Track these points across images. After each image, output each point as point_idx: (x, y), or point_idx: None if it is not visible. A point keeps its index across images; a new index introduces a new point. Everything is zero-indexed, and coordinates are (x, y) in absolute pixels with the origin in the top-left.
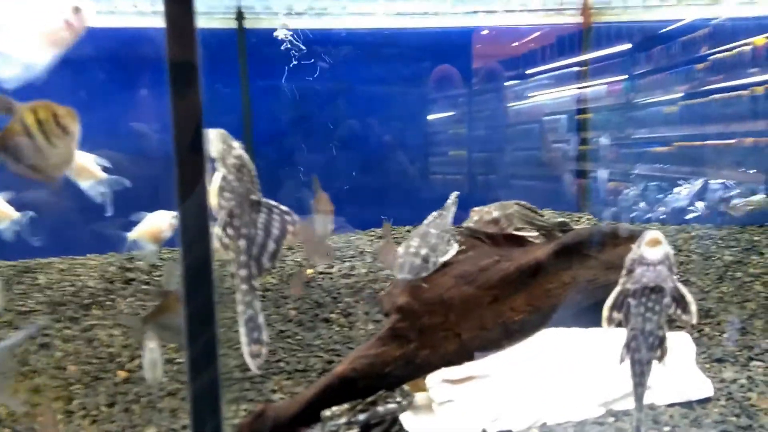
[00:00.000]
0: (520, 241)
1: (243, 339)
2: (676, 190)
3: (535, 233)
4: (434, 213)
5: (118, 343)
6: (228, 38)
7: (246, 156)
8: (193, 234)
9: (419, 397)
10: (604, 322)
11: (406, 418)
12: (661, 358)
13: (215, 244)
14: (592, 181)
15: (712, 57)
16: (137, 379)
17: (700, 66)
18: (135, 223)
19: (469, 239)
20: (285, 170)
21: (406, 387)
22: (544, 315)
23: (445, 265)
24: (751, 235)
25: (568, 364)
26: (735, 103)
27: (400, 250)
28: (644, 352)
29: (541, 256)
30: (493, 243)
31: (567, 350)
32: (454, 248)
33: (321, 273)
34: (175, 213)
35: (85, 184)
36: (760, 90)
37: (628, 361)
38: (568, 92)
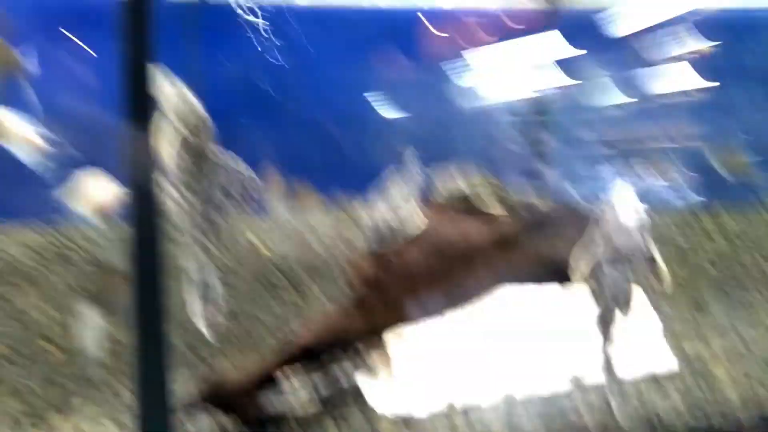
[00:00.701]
0: (486, 215)
1: (195, 306)
2: (613, 188)
3: (501, 208)
4: (395, 175)
5: (51, 319)
6: (180, 10)
7: (203, 112)
8: (140, 203)
9: (382, 370)
10: (579, 278)
11: (368, 392)
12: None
13: (167, 202)
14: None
15: (657, 62)
16: (72, 356)
17: (645, 69)
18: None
19: (435, 208)
20: (236, 149)
21: (368, 357)
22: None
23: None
24: (704, 223)
25: (536, 335)
26: (674, 107)
27: (366, 218)
28: (616, 317)
29: (506, 231)
30: (459, 214)
31: (534, 320)
32: (420, 217)
33: (270, 249)
34: (114, 181)
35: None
36: (696, 95)
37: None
38: (518, 90)
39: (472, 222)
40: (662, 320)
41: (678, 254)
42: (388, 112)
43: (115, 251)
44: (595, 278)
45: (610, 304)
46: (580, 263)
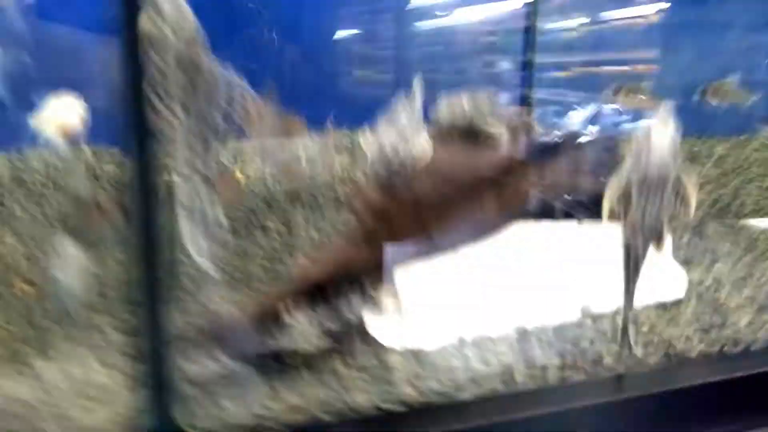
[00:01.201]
0: (489, 138)
1: (196, 241)
2: (570, 114)
3: (503, 130)
4: (402, 100)
5: (19, 253)
6: None
7: (196, 21)
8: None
9: (390, 304)
10: (605, 216)
11: (373, 323)
12: (658, 247)
13: (161, 125)
14: None
15: None
16: (47, 294)
17: None
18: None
19: (439, 133)
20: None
21: (375, 291)
22: (513, 215)
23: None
24: (691, 146)
25: (543, 261)
26: (631, 31)
27: (372, 144)
28: (641, 244)
29: (513, 154)
30: (463, 138)
31: (540, 247)
32: (428, 142)
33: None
34: (81, 101)
35: None
36: (654, 19)
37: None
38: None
39: (480, 147)
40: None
41: None
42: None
43: (81, 178)
44: (623, 206)
45: (639, 234)
46: (607, 189)
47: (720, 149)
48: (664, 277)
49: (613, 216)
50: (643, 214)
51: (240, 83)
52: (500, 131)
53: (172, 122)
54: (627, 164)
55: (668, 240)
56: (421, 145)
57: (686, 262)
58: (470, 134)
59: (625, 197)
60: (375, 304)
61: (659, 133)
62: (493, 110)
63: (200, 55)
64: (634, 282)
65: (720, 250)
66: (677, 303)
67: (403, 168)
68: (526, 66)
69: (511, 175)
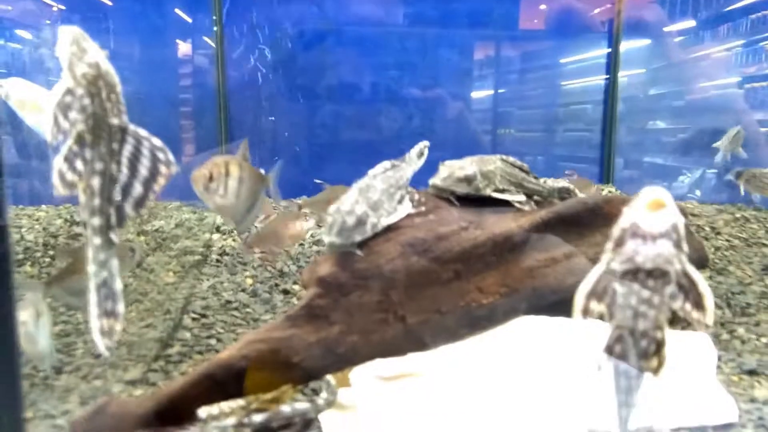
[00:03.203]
0: (503, 207)
1: (92, 310)
2: (680, 178)
3: (523, 197)
4: (386, 163)
5: None
6: None
7: (107, 65)
8: None
9: (344, 394)
10: (578, 314)
11: (327, 420)
12: (656, 370)
13: (55, 180)
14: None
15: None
16: None
17: None
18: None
19: (433, 200)
20: (261, 122)
21: (329, 378)
22: (522, 299)
23: (393, 229)
24: None
25: (546, 364)
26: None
27: (332, 207)
28: (633, 360)
29: (525, 225)
30: (465, 206)
31: (547, 345)
32: (406, 208)
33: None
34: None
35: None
36: None
37: (610, 372)
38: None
39: (478, 215)
40: (730, 347)
41: None
42: None
43: None
44: (602, 299)
45: (629, 344)
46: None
47: None
48: (704, 396)
49: (588, 315)
50: (634, 316)
51: (156, 142)
52: (517, 198)
53: (90, 188)
54: (607, 251)
55: (668, 354)
56: (395, 210)
57: (754, 372)
58: (475, 201)
59: (607, 294)
60: (327, 398)
61: (651, 206)
62: (509, 175)
63: (120, 117)
64: (629, 406)
65: None
66: (724, 429)
67: (358, 231)
68: None
69: (521, 249)
